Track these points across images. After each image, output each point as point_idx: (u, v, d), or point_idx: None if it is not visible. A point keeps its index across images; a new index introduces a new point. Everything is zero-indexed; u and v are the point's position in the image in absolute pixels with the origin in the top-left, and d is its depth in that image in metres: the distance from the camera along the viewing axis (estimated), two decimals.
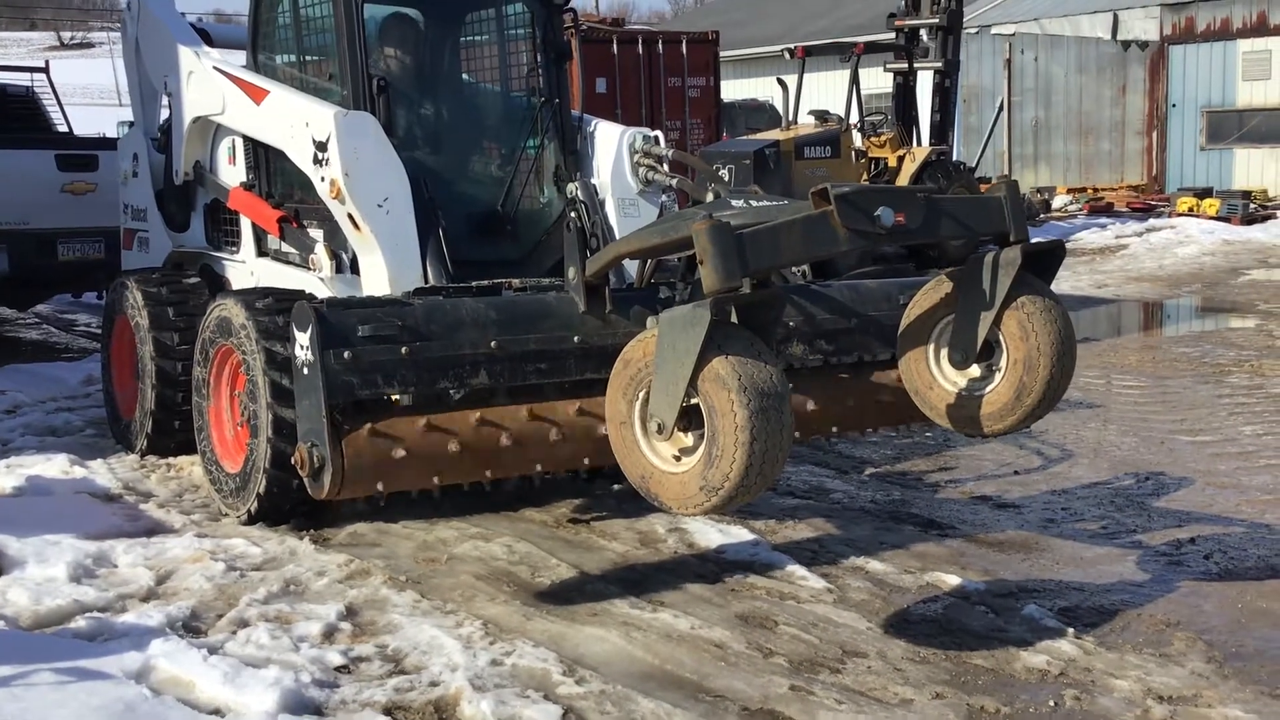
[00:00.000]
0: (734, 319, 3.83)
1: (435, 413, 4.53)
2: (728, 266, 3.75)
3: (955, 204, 4.31)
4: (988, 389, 4.23)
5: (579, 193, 6.02)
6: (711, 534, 5.48)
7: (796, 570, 5.02)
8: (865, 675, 4.06)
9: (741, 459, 3.63)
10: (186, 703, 3.71)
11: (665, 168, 6.14)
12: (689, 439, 3.86)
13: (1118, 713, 3.78)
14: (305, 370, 4.36)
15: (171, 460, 6.65)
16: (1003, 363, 4.18)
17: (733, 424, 3.62)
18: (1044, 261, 4.29)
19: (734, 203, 4.56)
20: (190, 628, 4.39)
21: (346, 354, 4.31)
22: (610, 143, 6.27)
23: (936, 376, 4.41)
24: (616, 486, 6.17)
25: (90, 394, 8.51)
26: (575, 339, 4.74)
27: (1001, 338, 4.18)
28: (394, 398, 4.69)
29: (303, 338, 4.36)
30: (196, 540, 5.29)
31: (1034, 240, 4.27)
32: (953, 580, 4.93)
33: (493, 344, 4.62)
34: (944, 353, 4.37)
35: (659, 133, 6.32)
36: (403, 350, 4.44)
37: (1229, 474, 6.54)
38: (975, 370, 4.29)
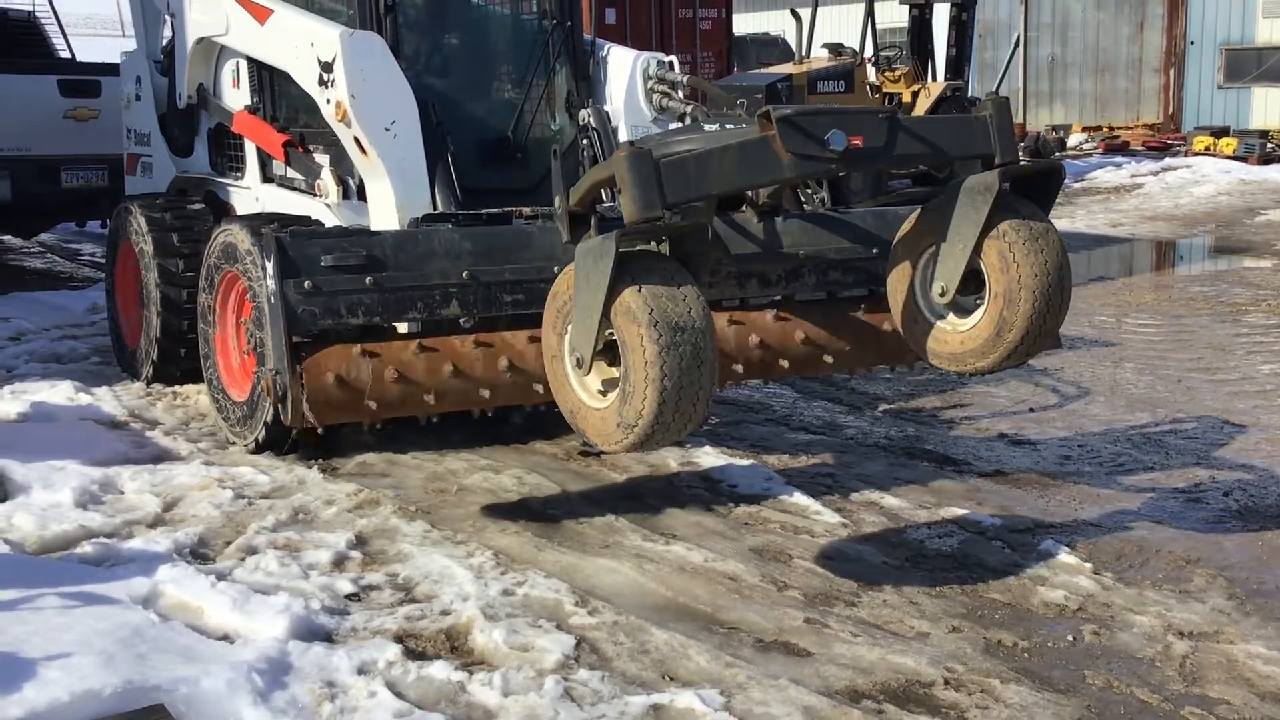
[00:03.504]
0: (665, 250, 3.70)
1: (397, 342, 4.48)
2: (646, 196, 3.62)
3: (928, 125, 4.11)
4: (970, 324, 4.01)
5: (591, 120, 5.88)
6: (724, 467, 5.42)
7: (810, 504, 4.96)
8: (881, 609, 4.00)
9: (653, 396, 3.50)
10: (194, 628, 3.67)
11: (680, 94, 5.99)
12: (617, 373, 3.72)
13: (1138, 648, 3.73)
14: (270, 299, 4.34)
15: (177, 388, 6.58)
16: (985, 296, 3.95)
17: (642, 359, 3.49)
18: (1039, 186, 4.04)
19: (707, 127, 4.43)
20: (198, 554, 4.34)
21: (307, 284, 4.32)
22: (624, 68, 6.12)
23: (922, 310, 4.18)
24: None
25: (95, 322, 8.44)
26: (556, 269, 4.62)
27: (983, 269, 3.93)
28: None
29: (269, 267, 4.35)
30: (204, 468, 5.24)
31: (1016, 163, 3.99)
32: (968, 516, 4.87)
33: (465, 274, 4.55)
34: (929, 285, 4.13)
35: (674, 58, 6.17)
36: (367, 280, 4.40)
37: (1248, 412, 6.45)
38: (961, 303, 4.05)
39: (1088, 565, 4.33)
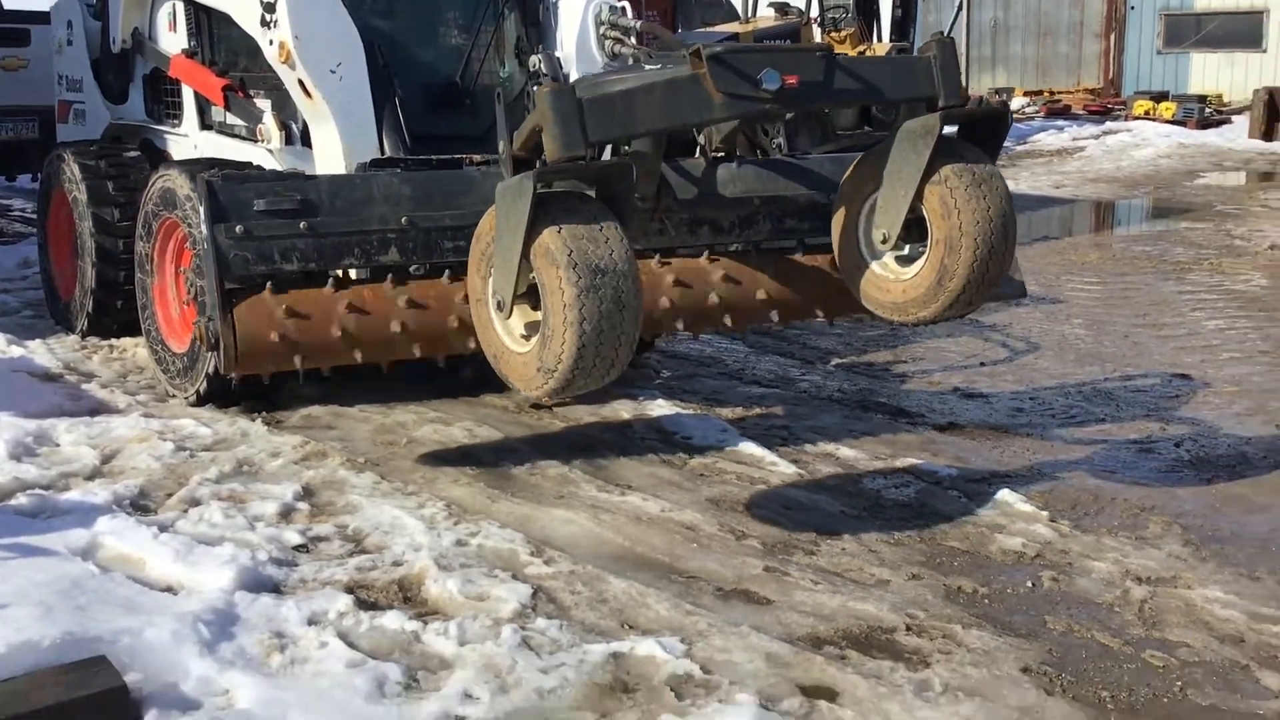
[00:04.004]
0: (592, 192, 3.62)
1: (331, 290, 4.38)
2: (568, 134, 3.52)
3: (869, 65, 4.04)
4: (912, 272, 3.93)
5: (542, 66, 5.70)
6: (678, 420, 5.35)
7: (766, 456, 4.91)
8: (840, 557, 3.97)
9: (572, 340, 3.42)
10: (136, 580, 3.54)
11: (633, 40, 5.86)
12: (540, 316, 3.64)
13: (1097, 593, 3.72)
14: (204, 245, 4.23)
15: (114, 341, 6.38)
16: (927, 243, 3.86)
17: (561, 302, 3.41)
18: (985, 132, 3.95)
19: (647, 68, 4.33)
20: (138, 506, 4.20)
21: (238, 228, 4.23)
22: (575, 14, 5.97)
23: (865, 258, 4.10)
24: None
25: (27, 276, 8.18)
26: None
27: (925, 215, 3.84)
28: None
29: (202, 211, 4.24)
30: (143, 420, 5.07)
31: (961, 106, 3.91)
32: (924, 466, 4.85)
33: (404, 220, 4.45)
34: (871, 233, 4.05)
35: (626, 3, 6.04)
36: (301, 225, 4.30)
37: (1195, 366, 6.50)
38: (905, 251, 3.97)
39: (1044, 513, 4.32)
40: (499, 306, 3.71)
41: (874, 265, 4.08)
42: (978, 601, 3.66)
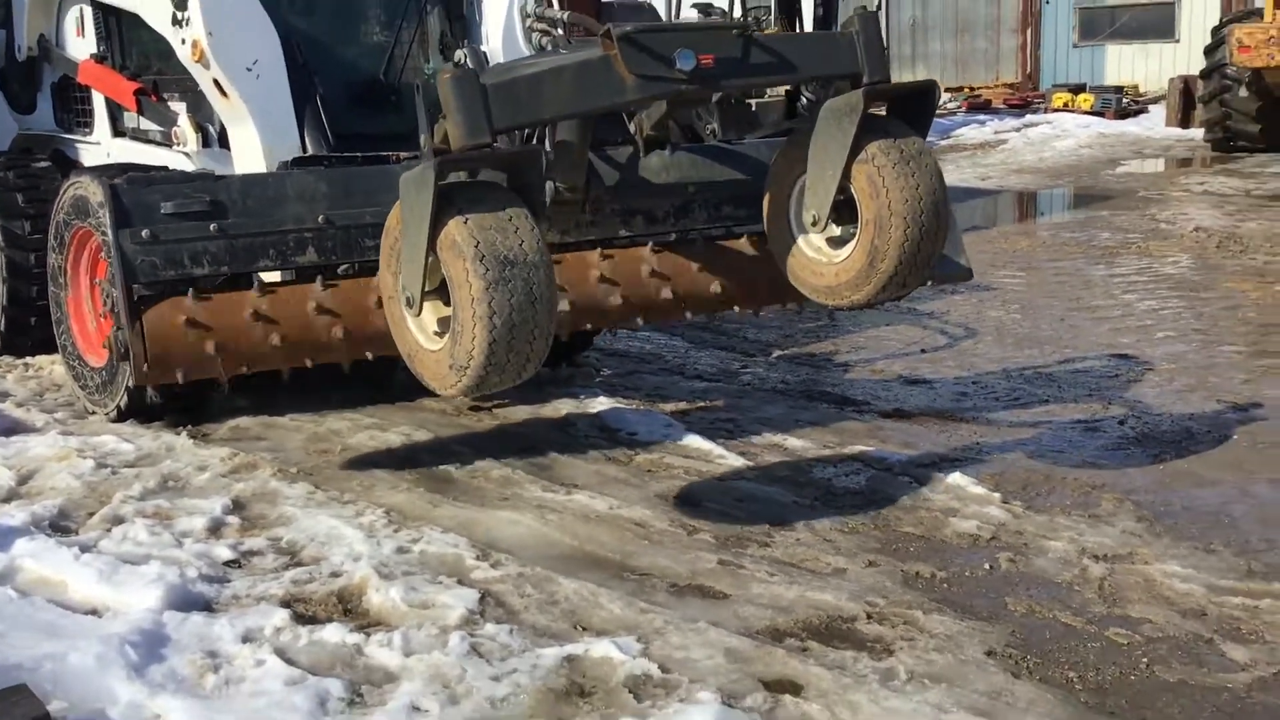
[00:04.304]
0: (504, 181, 3.50)
1: (240, 293, 4.24)
2: (471, 121, 3.41)
3: (789, 42, 3.94)
4: (843, 255, 3.81)
5: (468, 61, 5.57)
6: (621, 416, 5.23)
7: (713, 449, 4.80)
8: (795, 547, 3.87)
9: (482, 335, 3.29)
10: (58, 603, 3.34)
11: (560, 32, 5.72)
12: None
13: (1055, 573, 3.66)
14: (111, 251, 4.06)
15: (29, 359, 6.11)
16: (858, 225, 3.75)
17: (469, 296, 3.29)
18: (913, 108, 3.84)
19: (563, 53, 4.23)
20: (58, 527, 3.98)
21: (145, 232, 4.09)
22: (500, 6, 5.83)
23: (798, 241, 3.99)
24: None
25: None
26: None
27: (855, 195, 3.73)
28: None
29: (106, 216, 4.09)
30: (61, 438, 4.83)
31: (886, 82, 3.79)
32: (873, 453, 4.77)
33: (320, 218, 4.31)
34: (802, 215, 3.92)
35: None
36: (211, 228, 4.16)
37: (1132, 346, 6.52)
38: (837, 233, 3.85)
39: (996, 495, 4.26)
40: (409, 303, 3.57)
41: (805, 248, 3.97)
42: (937, 586, 3.58)
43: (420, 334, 3.60)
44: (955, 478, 4.42)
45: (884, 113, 3.85)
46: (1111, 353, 6.39)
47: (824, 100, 3.87)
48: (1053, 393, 5.67)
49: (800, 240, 3.99)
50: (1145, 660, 3.14)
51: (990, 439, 4.99)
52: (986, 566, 3.72)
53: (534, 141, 4.99)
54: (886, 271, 3.69)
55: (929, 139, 3.94)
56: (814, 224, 3.84)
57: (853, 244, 3.77)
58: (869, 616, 3.36)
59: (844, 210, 3.79)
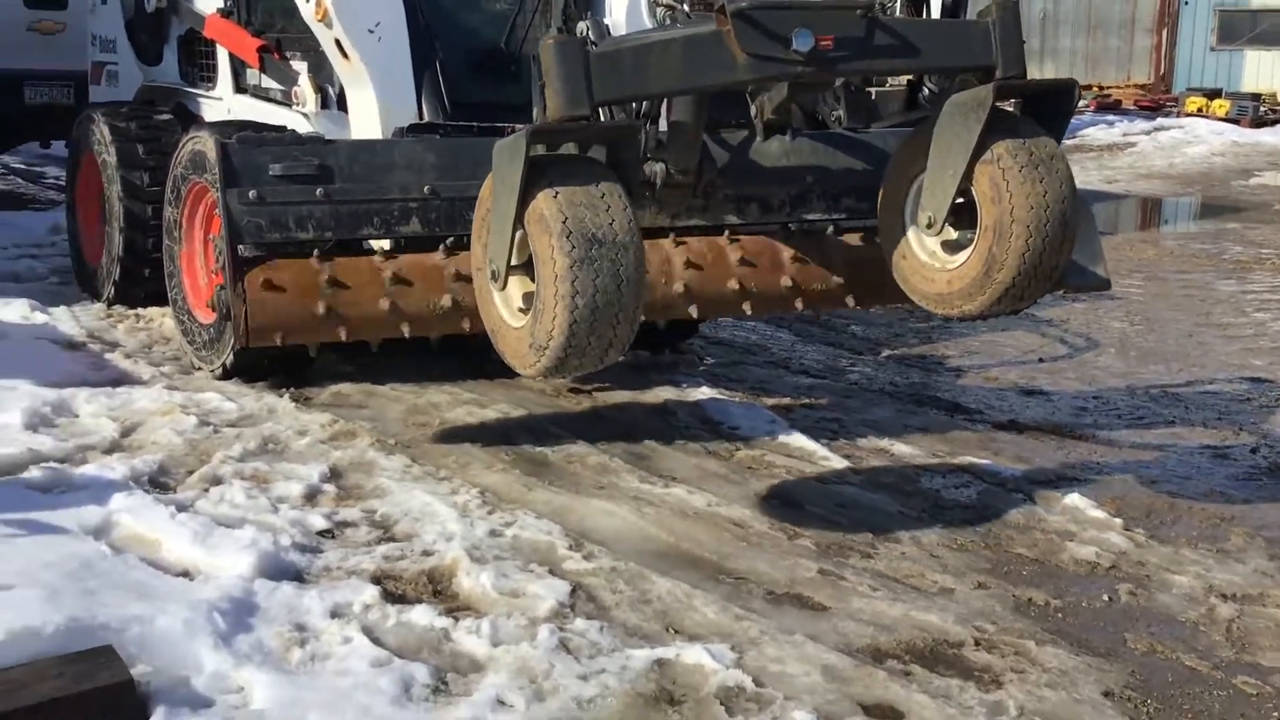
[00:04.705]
0: (601, 155, 3.35)
1: (349, 259, 4.20)
2: (571, 91, 3.26)
3: (918, 28, 3.68)
4: (959, 261, 3.56)
5: (589, 32, 5.45)
6: (724, 407, 5.09)
7: (817, 449, 4.64)
8: (900, 561, 3.70)
9: (563, 316, 3.15)
10: (151, 563, 3.31)
11: (685, 7, 5.58)
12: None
13: (1179, 611, 3.44)
14: (220, 211, 4.04)
15: (141, 310, 6.18)
16: (977, 229, 3.50)
17: (552, 273, 3.16)
18: (1048, 106, 3.57)
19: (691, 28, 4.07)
20: (157, 483, 3.98)
21: (252, 193, 4.05)
22: None
23: (911, 244, 3.74)
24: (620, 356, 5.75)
25: (56, 242, 8.00)
26: None
27: (975, 197, 3.48)
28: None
29: (217, 174, 4.06)
30: (166, 393, 4.85)
31: (1021, 78, 3.51)
32: (985, 466, 4.57)
33: (426, 189, 4.22)
34: (918, 215, 3.68)
35: None
36: (318, 192, 4.10)
37: (1264, 369, 6.19)
38: (952, 236, 3.61)
39: (1117, 521, 4.03)
40: (494, 276, 3.46)
41: (919, 251, 3.73)
42: (1051, 615, 3.39)
43: (505, 309, 3.50)
44: (1073, 498, 4.20)
45: (1016, 111, 3.62)
46: (1243, 375, 6.07)
47: (949, 92, 3.67)
48: (1179, 413, 5.39)
49: (914, 242, 3.75)
50: (1276, 715, 2.92)
51: (1111, 459, 4.75)
52: (1105, 598, 3.51)
53: (645, 118, 4.87)
54: (1003, 283, 3.44)
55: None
56: (929, 226, 3.61)
57: (969, 250, 3.53)
58: (977, 643, 3.18)
59: (963, 213, 3.55)
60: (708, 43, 3.43)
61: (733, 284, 4.53)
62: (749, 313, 4.63)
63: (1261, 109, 20.79)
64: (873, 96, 11.57)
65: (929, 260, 3.71)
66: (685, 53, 3.44)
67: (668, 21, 5.67)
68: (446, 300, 4.24)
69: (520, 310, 3.45)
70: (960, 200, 3.55)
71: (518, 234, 3.33)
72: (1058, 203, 3.40)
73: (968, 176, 3.46)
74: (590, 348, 3.25)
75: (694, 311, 4.57)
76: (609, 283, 3.17)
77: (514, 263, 3.42)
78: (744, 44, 3.39)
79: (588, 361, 3.32)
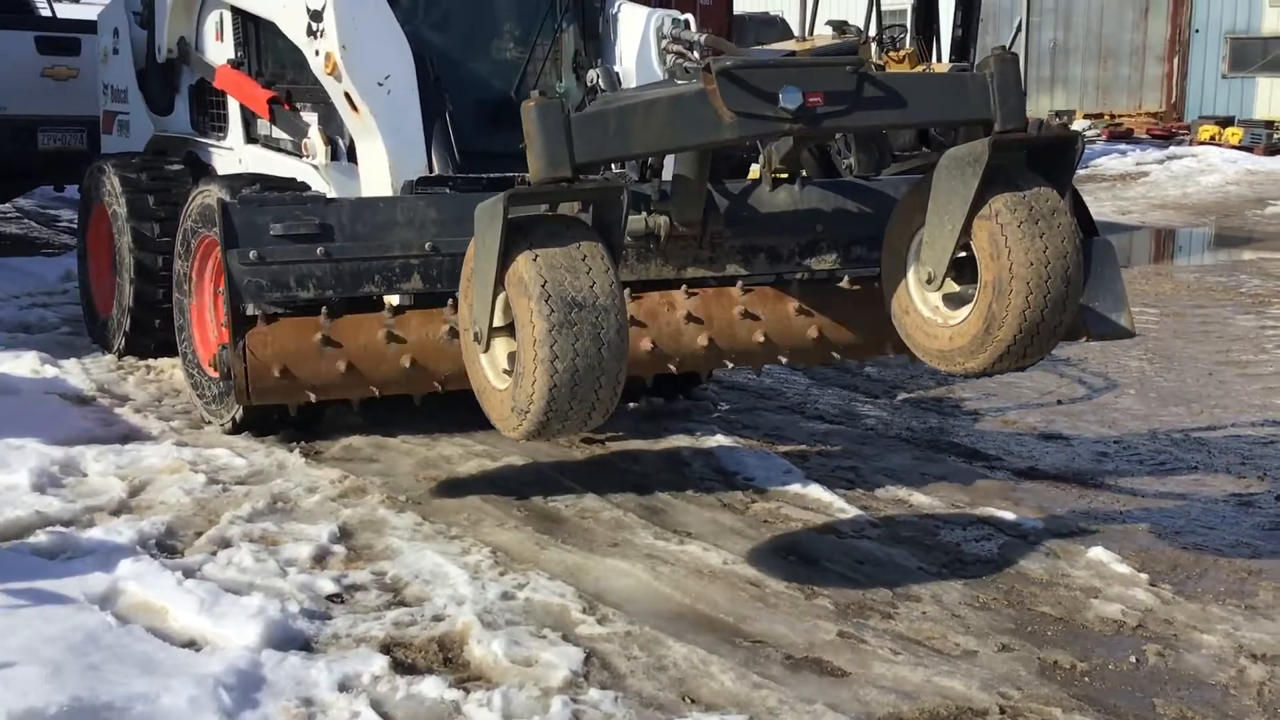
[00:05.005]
0: (588, 219, 3.33)
1: (350, 318, 4.17)
2: (552, 153, 3.24)
3: (909, 82, 3.63)
4: (960, 318, 3.49)
5: (600, 81, 5.44)
6: (739, 457, 5.03)
7: (834, 501, 4.57)
8: (921, 622, 3.62)
9: (543, 379, 3.12)
10: (157, 633, 3.26)
11: (696, 55, 5.55)
12: None
13: (1208, 673, 3.35)
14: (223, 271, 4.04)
15: (151, 362, 6.15)
16: (976, 286, 3.42)
17: (531, 337, 3.13)
18: (1049, 159, 3.50)
19: (679, 83, 4.03)
20: (165, 546, 3.93)
21: (253, 254, 4.02)
22: (636, 27, 5.68)
23: (914, 298, 3.67)
24: (632, 405, 5.71)
25: (68, 290, 7.99)
26: None
27: (975, 253, 3.41)
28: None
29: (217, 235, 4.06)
30: (175, 449, 4.81)
31: (1017, 130, 3.43)
32: (1007, 517, 4.48)
33: (427, 245, 4.19)
34: (919, 270, 3.61)
35: (689, 16, 5.75)
36: (319, 251, 4.07)
37: None
38: (955, 289, 3.54)
39: (1143, 576, 3.95)
40: (476, 338, 3.44)
41: (920, 306, 3.66)
42: (1077, 679, 3.30)
43: (490, 370, 3.48)
44: (1097, 552, 4.11)
45: (1018, 163, 3.55)
46: (1265, 417, 5.98)
47: (956, 137, 3.61)
48: (1202, 459, 5.30)
49: (916, 297, 3.68)
50: None
51: (1133, 508, 4.67)
52: (1133, 660, 3.42)
53: (647, 171, 4.83)
54: (1004, 340, 3.37)
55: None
56: (929, 281, 3.55)
57: (970, 306, 3.46)
58: (1002, 710, 3.10)
59: (966, 268, 3.48)
60: (693, 102, 3.41)
61: (811, 333, 4.46)
62: (792, 357, 4.55)
63: (1275, 136, 20.69)
64: (883, 132, 11.58)
65: (931, 316, 3.64)
66: (671, 113, 3.43)
67: (680, 66, 5.66)
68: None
69: (505, 372, 3.42)
70: (963, 254, 3.48)
71: (500, 296, 3.31)
72: (1059, 259, 3.32)
73: (966, 231, 3.40)
74: (572, 412, 3.22)
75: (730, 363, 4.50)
76: (589, 346, 3.14)
77: (497, 324, 3.40)
78: (730, 103, 3.36)
79: (570, 425, 3.29)
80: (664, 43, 5.64)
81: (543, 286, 3.13)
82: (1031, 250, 3.30)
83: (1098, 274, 4.42)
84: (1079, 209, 4.51)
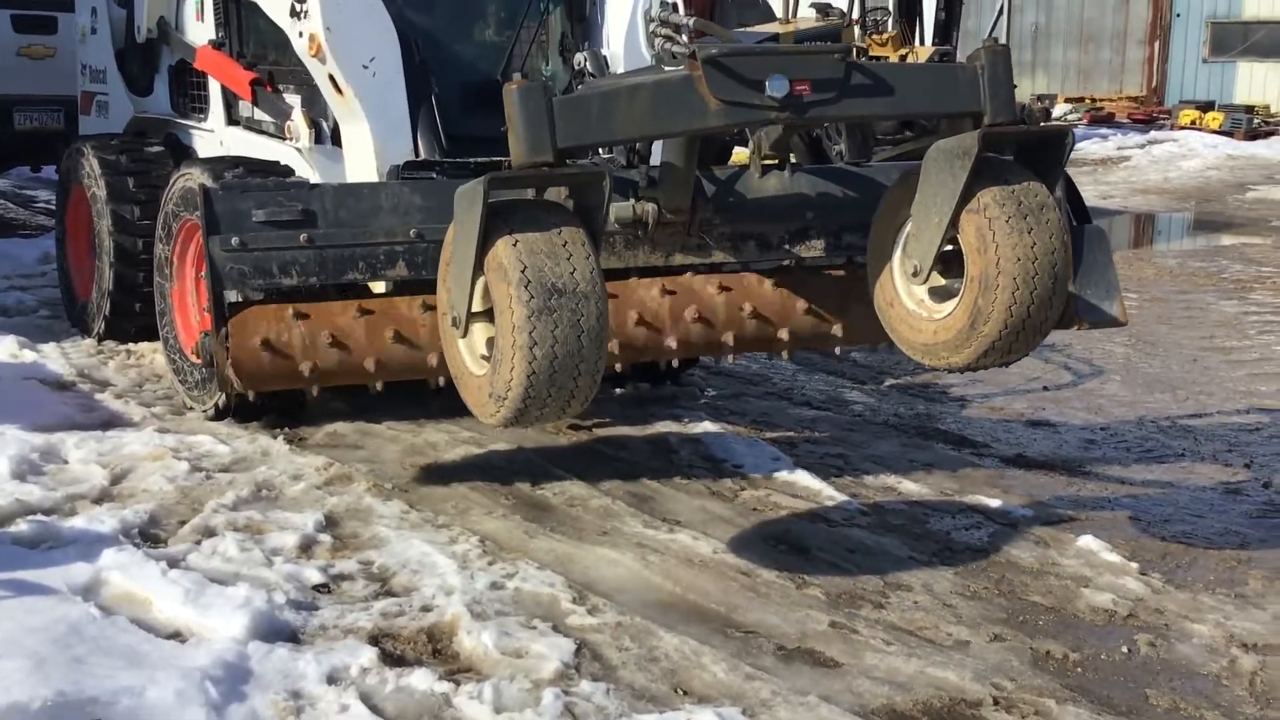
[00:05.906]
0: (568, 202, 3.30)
1: (333, 303, 4.14)
2: (534, 137, 3.22)
3: (899, 72, 3.60)
4: (945, 312, 3.46)
5: (587, 64, 5.38)
6: (727, 444, 5.00)
7: (823, 489, 4.55)
8: (913, 611, 3.60)
9: (521, 367, 3.10)
10: (141, 624, 3.21)
11: (684, 38, 5.49)
12: None
13: (1200, 663, 3.35)
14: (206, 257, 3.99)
15: (131, 346, 6.07)
16: (963, 280, 3.40)
17: (510, 323, 3.11)
18: (1039, 153, 3.47)
19: (666, 69, 3.99)
20: (148, 535, 3.88)
21: (235, 240, 3.97)
22: (623, 9, 5.62)
23: (900, 291, 3.63)
24: (619, 390, 5.68)
25: (46, 273, 7.89)
26: None
27: (962, 247, 3.38)
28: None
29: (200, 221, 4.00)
30: (157, 435, 4.75)
31: (1008, 123, 3.42)
32: (995, 505, 4.47)
33: (412, 232, 4.14)
34: (905, 264, 3.58)
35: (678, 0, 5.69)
36: (302, 237, 4.02)
37: (1271, 395, 6.11)
38: (940, 283, 3.51)
39: (1133, 565, 3.95)
40: (454, 323, 3.40)
41: (906, 299, 3.62)
42: (1070, 670, 3.30)
43: (468, 356, 3.44)
44: (1087, 540, 4.11)
45: (1007, 157, 3.52)
46: (1250, 403, 5.99)
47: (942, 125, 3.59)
48: (1188, 446, 5.30)
49: (901, 289, 3.64)
50: None
51: (1122, 496, 4.67)
52: (1124, 649, 3.42)
53: (634, 156, 4.78)
54: (988, 336, 3.34)
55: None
56: (915, 275, 3.52)
57: (956, 301, 3.43)
58: (996, 702, 3.09)
59: (953, 261, 3.45)
60: (679, 89, 3.38)
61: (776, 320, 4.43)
62: (784, 344, 4.52)
63: (1255, 121, 20.80)
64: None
65: (916, 309, 3.61)
66: (655, 99, 3.40)
67: (668, 50, 5.60)
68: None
69: (483, 358, 3.39)
70: (949, 248, 3.45)
71: (479, 281, 3.27)
72: (1047, 255, 3.29)
73: (954, 225, 3.37)
74: (550, 399, 3.19)
75: (680, 351, 4.47)
76: (569, 334, 3.11)
77: (476, 309, 3.36)
78: (716, 90, 3.33)
79: (548, 413, 3.27)
80: (652, 25, 5.57)
81: (522, 272, 3.09)
82: (1019, 245, 3.28)
83: (1090, 261, 4.40)
84: (1072, 196, 4.49)
